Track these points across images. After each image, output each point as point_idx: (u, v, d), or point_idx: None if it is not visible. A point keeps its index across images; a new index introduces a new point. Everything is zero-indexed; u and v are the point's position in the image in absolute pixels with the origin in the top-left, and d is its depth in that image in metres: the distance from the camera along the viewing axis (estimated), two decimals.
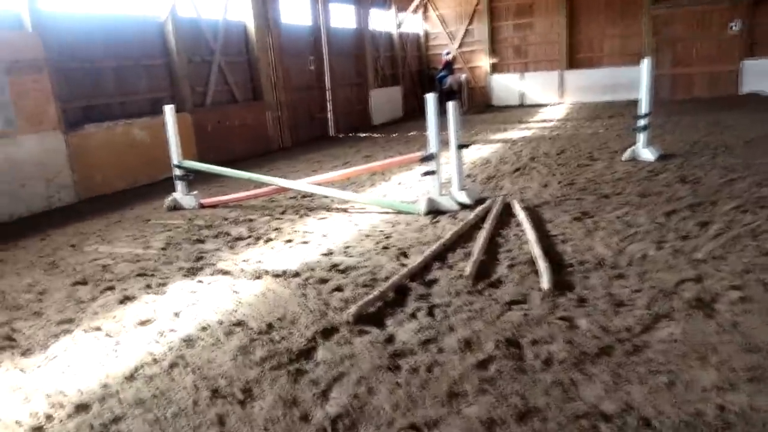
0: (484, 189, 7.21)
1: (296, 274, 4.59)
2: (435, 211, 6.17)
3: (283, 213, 6.79)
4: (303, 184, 6.85)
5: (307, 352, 3.27)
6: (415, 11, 20.22)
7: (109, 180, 8.91)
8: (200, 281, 4.63)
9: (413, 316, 3.63)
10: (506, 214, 5.80)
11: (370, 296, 3.81)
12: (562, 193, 6.64)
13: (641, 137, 8.26)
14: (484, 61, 20.56)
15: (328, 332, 3.48)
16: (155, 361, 3.31)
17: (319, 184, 6.89)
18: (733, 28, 16.99)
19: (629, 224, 5.19)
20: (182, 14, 10.54)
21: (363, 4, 16.52)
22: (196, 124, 10.64)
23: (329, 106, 15.14)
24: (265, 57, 12.44)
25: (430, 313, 3.65)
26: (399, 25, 19.23)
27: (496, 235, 5.16)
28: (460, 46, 20.75)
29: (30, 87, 7.69)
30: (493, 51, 20.37)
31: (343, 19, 15.96)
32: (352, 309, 3.63)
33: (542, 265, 4.12)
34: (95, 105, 9.07)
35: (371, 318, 3.62)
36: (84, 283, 4.83)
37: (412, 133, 14.28)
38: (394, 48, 19.16)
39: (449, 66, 19.60)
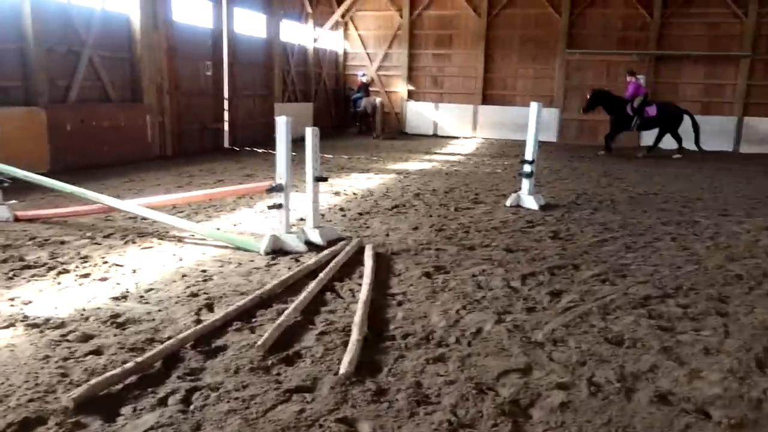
0: (348, 227, 6.51)
1: (60, 325, 3.65)
2: (278, 251, 5.38)
3: (107, 236, 5.79)
4: (133, 205, 5.87)
5: None
6: (334, 28, 19.62)
7: None
8: None
9: (163, 402, 2.79)
10: (355, 262, 5.10)
11: (114, 371, 2.94)
12: (427, 240, 6.03)
13: (525, 184, 7.86)
14: (401, 87, 20.20)
15: (27, 425, 2.57)
16: None
17: (156, 207, 5.95)
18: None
19: (480, 286, 4.60)
20: None
21: (274, 14, 15.68)
22: (53, 121, 9.37)
23: (226, 116, 14.11)
24: (150, 56, 11.31)
25: (186, 399, 2.83)
26: (315, 40, 18.53)
27: (329, 289, 4.43)
28: (379, 69, 20.32)
29: None
30: (411, 78, 20.06)
31: (251, 27, 15.06)
32: (78, 391, 2.75)
33: (353, 337, 3.41)
34: None
35: (104, 403, 2.75)
36: None
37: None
38: (308, 63, 18.41)
39: (365, 88, 19.10)
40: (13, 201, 6.51)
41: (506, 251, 5.65)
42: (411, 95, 20.22)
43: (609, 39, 17.99)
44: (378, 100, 18.55)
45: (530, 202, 7.78)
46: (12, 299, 4.07)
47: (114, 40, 10.81)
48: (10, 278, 4.52)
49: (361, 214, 7.25)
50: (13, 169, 6.27)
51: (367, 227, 6.56)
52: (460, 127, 19.66)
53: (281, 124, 5.31)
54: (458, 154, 14.96)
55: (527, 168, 7.82)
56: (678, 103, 15.89)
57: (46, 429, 2.56)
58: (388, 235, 6.23)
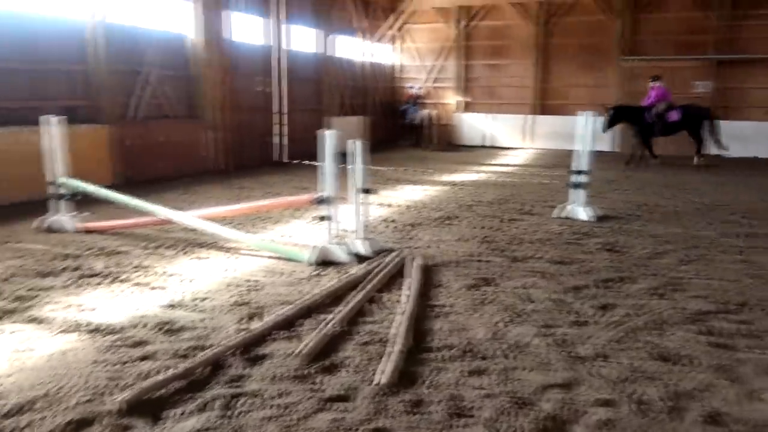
0: (395, 239, 6.53)
1: (116, 331, 3.83)
2: (325, 262, 5.46)
3: (164, 247, 6.04)
4: (188, 217, 6.11)
5: None
6: (387, 41, 19.84)
7: (3, 190, 8.07)
8: None
9: (205, 407, 2.89)
10: (400, 273, 5.11)
11: (162, 376, 3.07)
12: (474, 251, 5.98)
13: (577, 195, 7.68)
14: (453, 99, 20.16)
15: (81, 424, 2.72)
16: None
17: (211, 218, 6.16)
18: (699, 87, 16.79)
19: (526, 299, 4.52)
20: (113, 21, 9.86)
21: (327, 30, 16.02)
22: (116, 138, 9.87)
23: (280, 131, 14.47)
24: (208, 74, 11.78)
25: (228, 405, 2.91)
26: (368, 54, 18.78)
27: (373, 299, 4.46)
28: (432, 81, 20.36)
29: None
30: (463, 89, 20.00)
31: (304, 43, 15.43)
32: (127, 394, 2.88)
33: (393, 348, 3.42)
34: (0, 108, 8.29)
35: (152, 406, 2.87)
36: None
37: (368, 166, 13.64)
38: (361, 77, 18.66)
39: (416, 100, 19.19)
40: (81, 213, 6.89)
41: (554, 263, 5.53)
42: (464, 106, 20.15)
43: (668, 44, 17.38)
44: (430, 112, 18.58)
45: (582, 214, 7.59)
46: (75, 306, 4.31)
47: (174, 60, 11.31)
48: (74, 286, 4.78)
49: (409, 225, 7.27)
50: (80, 183, 6.65)
51: (415, 239, 6.57)
52: (513, 138, 19.41)
53: (327, 138, 5.41)
54: (511, 164, 14.77)
55: (578, 178, 7.64)
56: (745, 109, 15.16)
57: (97, 429, 2.69)
58: (434, 246, 6.21)
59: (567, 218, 7.63)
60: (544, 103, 19.04)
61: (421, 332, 3.84)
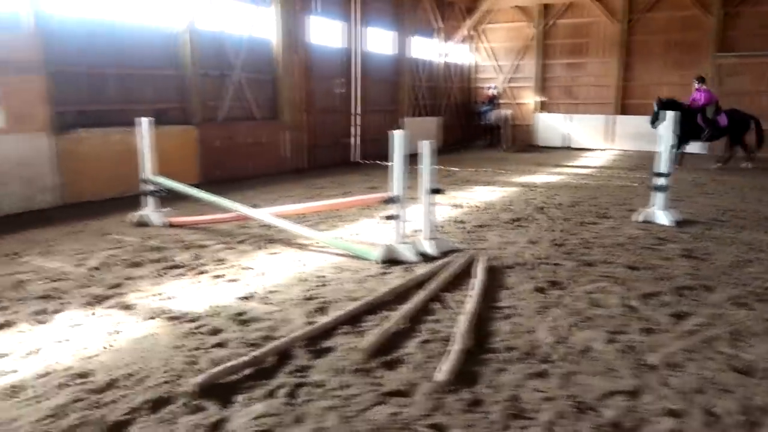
0: (464, 239, 6.53)
1: (194, 319, 4.09)
2: (392, 260, 5.56)
3: (241, 242, 6.34)
4: (264, 214, 6.38)
5: (117, 427, 2.75)
6: (463, 41, 19.72)
7: (97, 186, 8.76)
8: (93, 314, 4.20)
9: (271, 394, 3.04)
10: (466, 274, 5.12)
11: (233, 362, 3.25)
12: (545, 254, 5.88)
13: (658, 198, 7.36)
14: (531, 99, 19.78)
15: (159, 403, 2.94)
16: None
17: (286, 216, 6.42)
18: None
19: (595, 304, 4.41)
20: (202, 27, 10.43)
21: (404, 31, 16.16)
22: (203, 138, 10.45)
23: (355, 132, 14.75)
24: (288, 76, 12.21)
25: (292, 393, 3.05)
26: (444, 55, 18.75)
27: (437, 299, 4.50)
28: (509, 81, 20.07)
29: (19, 87, 7.64)
30: (542, 89, 19.56)
31: (381, 44, 15.64)
32: (201, 377, 3.09)
33: (454, 347, 3.45)
34: (95, 110, 9.00)
35: (223, 390, 3.06)
36: None
37: (440, 167, 13.67)
38: (436, 77, 18.67)
39: (493, 100, 18.97)
40: (168, 209, 7.36)
41: (629, 269, 5.35)
42: (542, 106, 19.72)
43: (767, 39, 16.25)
44: (507, 112, 18.32)
45: (663, 218, 7.27)
46: (159, 294, 4.63)
47: (258, 63, 11.80)
48: (159, 276, 5.13)
49: (479, 226, 7.24)
50: (168, 180, 7.10)
51: (484, 240, 6.54)
52: (593, 139, 18.79)
53: (397, 139, 5.50)
54: (590, 166, 14.31)
55: (660, 181, 7.33)
56: None
57: (173, 408, 2.90)
58: (504, 248, 6.16)
59: (646, 222, 7.34)
60: (626, 103, 18.32)
61: (484, 333, 3.84)
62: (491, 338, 3.77)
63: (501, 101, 19.55)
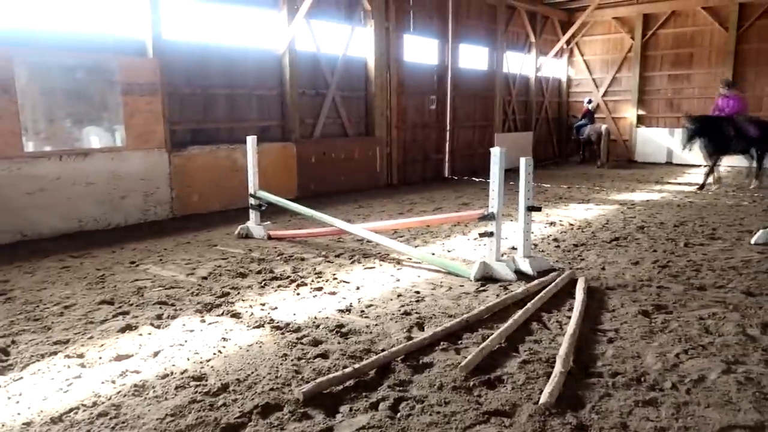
0: (561, 258, 6.36)
1: (297, 329, 4.27)
2: (488, 278, 5.52)
3: (337, 256, 6.54)
4: (360, 229, 6.54)
5: (231, 430, 2.91)
6: (558, 55, 19.29)
7: (205, 200, 9.34)
8: (203, 320, 4.49)
9: (374, 407, 3.11)
10: (565, 294, 4.99)
11: (337, 374, 3.36)
12: (649, 276, 5.61)
13: None
14: (630, 112, 18.95)
15: (269, 409, 3.08)
16: (79, 408, 3.15)
17: (378, 231, 6.55)
18: None
19: (708, 330, 4.16)
20: (301, 48, 10.90)
21: (497, 47, 16.06)
22: (301, 154, 10.87)
23: (447, 147, 14.78)
24: (381, 94, 12.47)
25: (394, 407, 3.11)
26: (538, 69, 18.43)
27: (536, 319, 4.42)
28: (605, 94, 19.37)
29: (142, 108, 8.33)
30: (641, 102, 18.71)
31: (473, 60, 15.63)
32: (307, 386, 3.21)
33: (557, 369, 3.37)
34: (204, 128, 9.63)
35: (328, 399, 3.17)
36: (110, 303, 4.93)
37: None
38: (529, 92, 18.37)
39: (590, 115, 18.35)
40: (268, 222, 7.71)
41: (746, 294, 4.99)
42: (641, 120, 18.85)
43: None
44: (604, 126, 17.66)
45: None
46: (263, 304, 4.86)
47: (351, 81, 12.16)
48: (263, 287, 5.39)
49: (576, 245, 7.03)
50: (269, 195, 7.46)
51: (582, 259, 6.34)
52: (699, 155, 17.63)
53: (495, 155, 5.48)
54: (695, 183, 13.46)
55: None
56: None
57: (281, 414, 3.04)
58: (604, 268, 5.94)
59: (766, 245, 6.82)
60: None
61: (587, 356, 3.73)
62: (595, 362, 3.65)
63: (597, 115, 18.88)
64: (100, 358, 3.79)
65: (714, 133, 11.85)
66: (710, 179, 12.54)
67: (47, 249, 6.91)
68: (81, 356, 3.83)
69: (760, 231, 7.03)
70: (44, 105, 7.41)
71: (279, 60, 10.58)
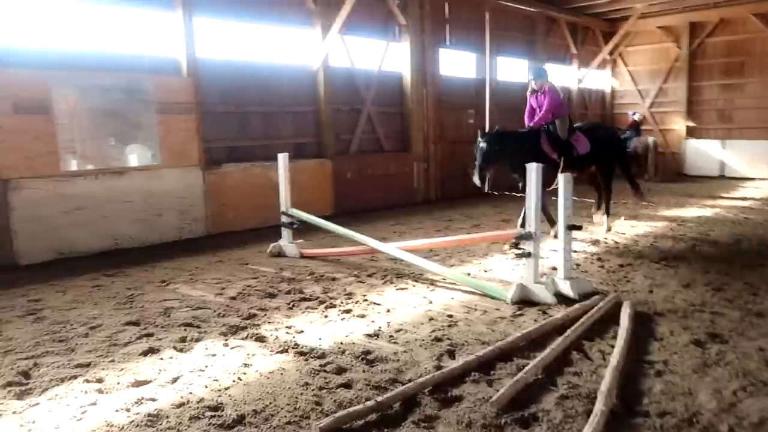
0: (605, 280, 6.00)
1: (321, 355, 4.08)
2: (526, 301, 5.22)
3: (370, 276, 6.34)
4: (393, 248, 6.34)
5: None
6: (600, 66, 18.77)
7: (240, 217, 9.32)
8: (227, 344, 4.35)
9: None
10: (609, 320, 4.66)
11: (358, 408, 3.14)
12: (701, 300, 5.21)
13: None
14: (678, 124, 18.23)
15: None
16: None
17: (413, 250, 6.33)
18: None
19: None
20: (335, 64, 10.85)
21: (537, 59, 15.71)
22: (336, 171, 10.78)
23: None
24: (418, 109, 12.31)
25: None
26: (580, 81, 17.95)
27: (577, 347, 4.11)
28: (652, 105, 18.70)
29: (177, 126, 8.39)
30: (691, 113, 17.97)
31: (513, 73, 15.32)
32: (325, 421, 3.01)
33: (598, 407, 3.07)
34: (239, 146, 9.65)
35: None
36: (136, 324, 4.86)
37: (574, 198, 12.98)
38: (571, 105, 17.87)
39: (636, 127, 17.72)
40: (301, 240, 7.60)
41: None
42: (691, 132, 18.09)
43: None
44: (651, 139, 17.01)
45: None
46: (289, 327, 4.70)
47: (387, 97, 12.05)
48: (291, 308, 5.24)
49: (621, 265, 6.64)
50: (301, 212, 7.34)
51: (628, 281, 5.96)
52: (754, 167, 16.80)
53: (532, 172, 5.21)
54: (751, 198, 12.76)
55: None
56: None
57: None
58: (651, 291, 5.56)
59: None
60: None
61: (632, 391, 3.41)
62: (640, 399, 3.33)
63: (644, 127, 18.22)
64: (119, 383, 3.69)
65: (518, 153, 7.78)
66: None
67: (82, 267, 6.95)
68: (100, 381, 3.73)
69: None
70: (81, 125, 7.53)
71: (313, 76, 10.56)
